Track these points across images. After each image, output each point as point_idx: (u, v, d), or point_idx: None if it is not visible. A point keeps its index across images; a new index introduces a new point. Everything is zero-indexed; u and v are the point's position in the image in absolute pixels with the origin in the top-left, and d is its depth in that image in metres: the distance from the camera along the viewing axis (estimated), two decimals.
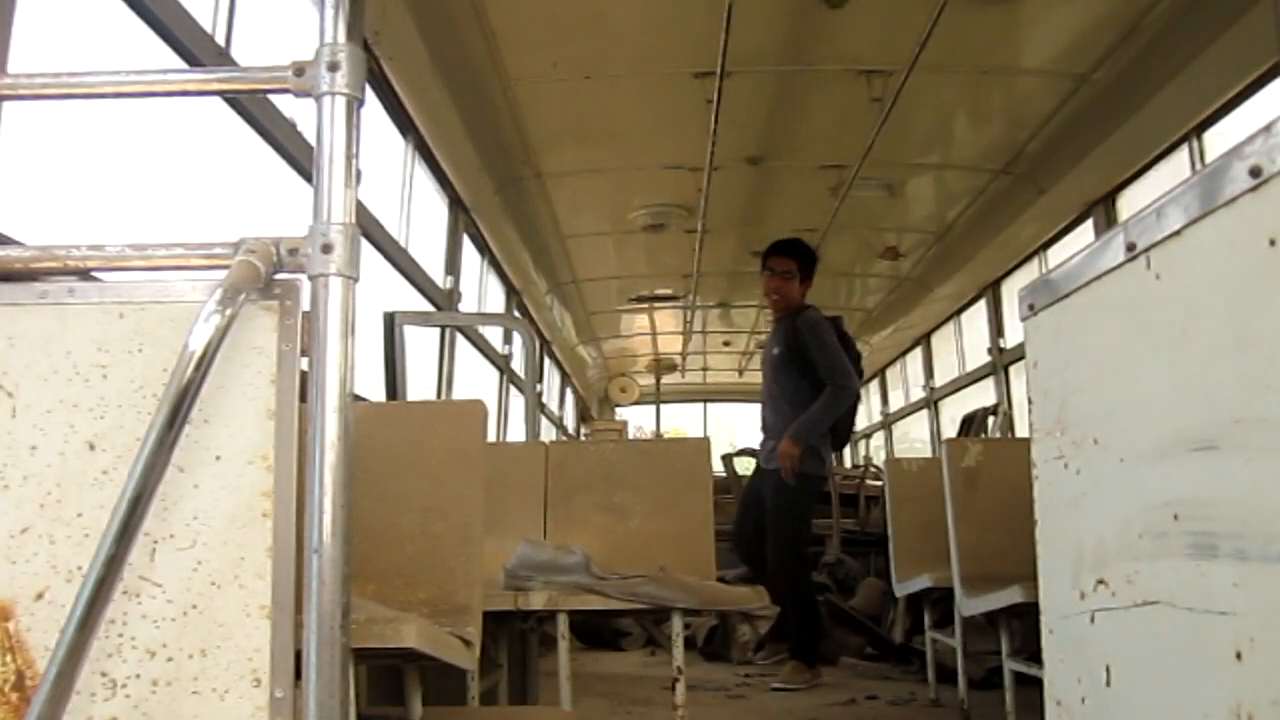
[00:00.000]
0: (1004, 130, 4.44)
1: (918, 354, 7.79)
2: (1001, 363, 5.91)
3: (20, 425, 1.07)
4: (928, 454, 7.42)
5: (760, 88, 3.95)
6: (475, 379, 5.27)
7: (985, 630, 3.58)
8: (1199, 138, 3.76)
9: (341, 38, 1.05)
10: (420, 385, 4.20)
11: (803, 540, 4.19)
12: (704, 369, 9.86)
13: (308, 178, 2.63)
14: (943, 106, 4.22)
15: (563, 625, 2.81)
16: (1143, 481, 0.84)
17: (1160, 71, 3.56)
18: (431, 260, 4.26)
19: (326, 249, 1.03)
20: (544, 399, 7.40)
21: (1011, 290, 5.75)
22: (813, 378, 4.13)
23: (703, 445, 3.49)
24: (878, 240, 5.98)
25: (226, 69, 2.24)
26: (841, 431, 4.34)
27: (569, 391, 9.10)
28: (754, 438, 9.80)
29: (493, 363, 5.55)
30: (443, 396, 4.40)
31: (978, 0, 3.32)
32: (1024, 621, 3.08)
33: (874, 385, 9.25)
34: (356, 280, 1.05)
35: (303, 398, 1.05)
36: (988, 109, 4.32)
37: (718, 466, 7.69)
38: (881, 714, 3.67)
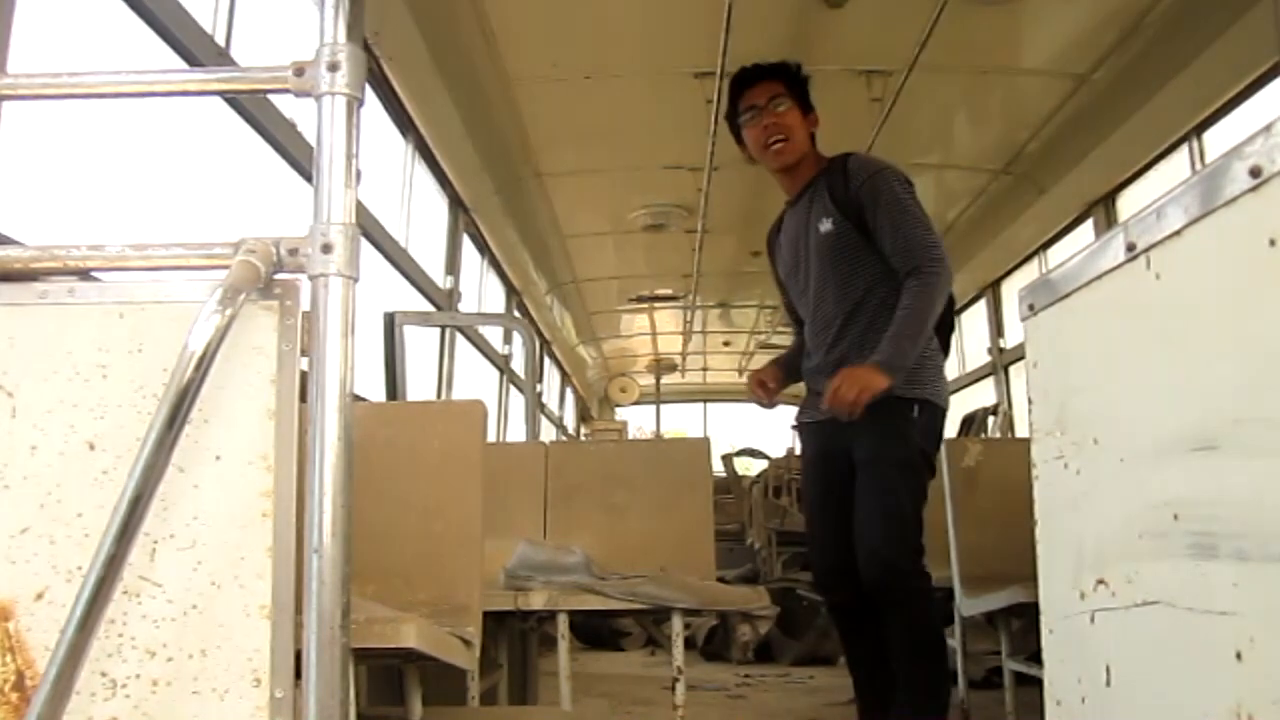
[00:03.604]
0: (1004, 130, 4.44)
1: None
2: (1001, 363, 5.91)
3: (20, 425, 1.07)
4: None
5: None
6: (475, 379, 5.27)
7: (985, 630, 3.58)
8: (1199, 138, 3.77)
9: (341, 38, 1.05)
10: (420, 385, 4.21)
11: (921, 519, 2.48)
12: (704, 369, 9.86)
13: (308, 178, 2.63)
14: (943, 106, 4.22)
15: (563, 625, 2.81)
16: (1143, 481, 0.84)
17: (1160, 71, 3.56)
18: (431, 260, 4.26)
19: (326, 249, 1.03)
20: (544, 399, 7.41)
21: (1011, 290, 5.75)
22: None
23: (703, 445, 3.50)
24: None
25: (226, 69, 2.24)
26: (945, 339, 2.69)
27: (569, 391, 9.10)
28: (753, 438, 9.73)
29: (493, 363, 5.56)
30: (443, 396, 4.40)
31: (978, 0, 3.33)
32: (1024, 621, 3.07)
33: None
34: (356, 280, 1.05)
35: (303, 398, 1.05)
36: (988, 109, 4.32)
37: (718, 466, 7.70)
38: None
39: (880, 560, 2.38)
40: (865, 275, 2.53)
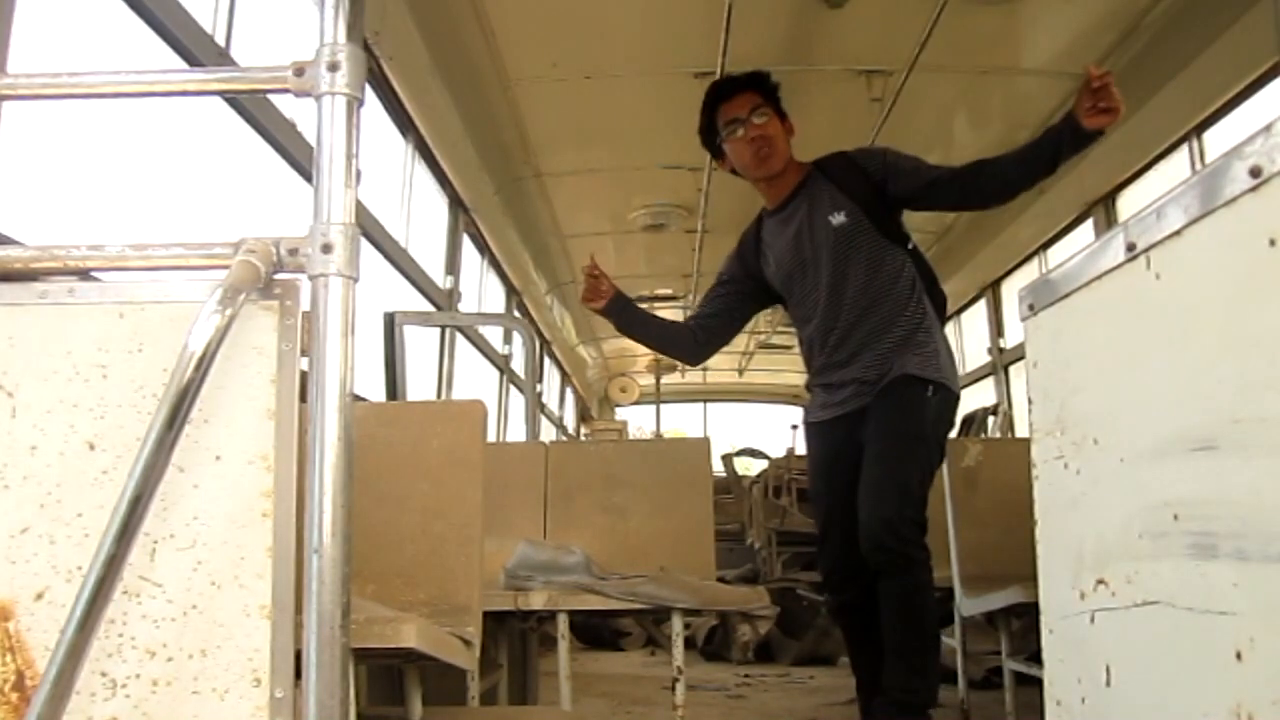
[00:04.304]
0: (1004, 130, 4.43)
1: None
2: (1001, 363, 5.91)
3: (20, 425, 1.07)
4: None
5: None
6: (475, 379, 5.27)
7: (985, 630, 3.58)
8: (1199, 138, 3.76)
9: (341, 38, 1.05)
10: (420, 385, 4.21)
11: (926, 498, 2.47)
12: (704, 369, 9.83)
13: (308, 178, 2.63)
14: (943, 106, 4.22)
15: (563, 625, 2.81)
16: (1143, 481, 0.84)
17: (1160, 71, 3.56)
18: (431, 260, 4.26)
19: (326, 249, 1.03)
20: (544, 399, 7.40)
21: (1011, 290, 5.75)
22: (903, 238, 2.61)
23: (703, 445, 3.49)
24: None
25: (226, 69, 2.24)
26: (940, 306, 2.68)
27: (569, 391, 9.10)
28: (753, 438, 9.70)
29: (493, 363, 5.56)
30: (443, 396, 4.40)
31: (978, 0, 3.33)
32: (1024, 621, 3.08)
33: None
34: (356, 280, 1.05)
35: (303, 398, 1.05)
36: (988, 109, 4.32)
37: (718, 466, 7.69)
38: None
39: (882, 523, 2.34)
40: (882, 267, 2.54)
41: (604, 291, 2.69)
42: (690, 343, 2.84)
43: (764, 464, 7.90)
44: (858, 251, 2.55)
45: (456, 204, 4.53)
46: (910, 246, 2.62)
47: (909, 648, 2.36)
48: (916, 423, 2.45)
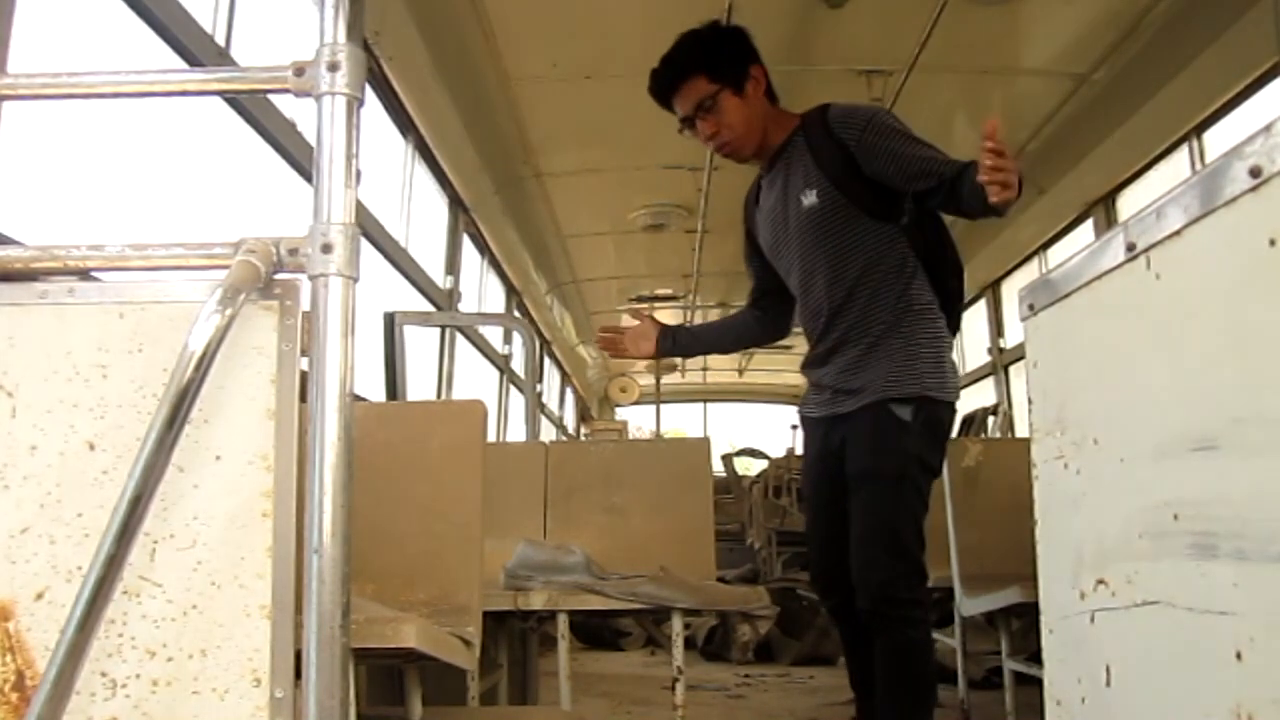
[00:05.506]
0: (1004, 130, 4.43)
1: None
2: (1001, 363, 5.92)
3: (20, 425, 1.07)
4: None
5: None
6: (475, 379, 5.27)
7: (985, 630, 3.58)
8: (1199, 138, 3.77)
9: (341, 38, 1.05)
10: (420, 385, 4.21)
11: (923, 535, 2.24)
12: (704, 369, 9.86)
13: (308, 178, 2.63)
14: (943, 106, 4.22)
15: (563, 625, 2.81)
16: (1143, 481, 0.84)
17: (1160, 71, 3.57)
18: (431, 260, 4.26)
19: (326, 249, 1.03)
20: (544, 399, 7.41)
21: (1011, 290, 5.75)
22: (894, 212, 2.23)
23: (703, 445, 3.49)
24: None
25: (226, 69, 2.24)
26: (955, 315, 2.34)
27: (569, 391, 9.10)
28: (753, 438, 9.72)
29: (493, 363, 5.56)
30: (443, 396, 4.40)
31: (978, 0, 3.33)
32: (1024, 621, 3.08)
33: None
34: (356, 280, 1.05)
35: (303, 398, 1.05)
36: (988, 109, 4.31)
37: (718, 466, 7.70)
38: None
39: (872, 588, 2.17)
40: (860, 253, 2.23)
41: (642, 334, 2.52)
42: (758, 327, 2.62)
43: (764, 464, 7.91)
44: (827, 238, 2.24)
45: (456, 204, 4.53)
46: (905, 221, 2.25)
47: (901, 705, 2.19)
48: (898, 462, 2.18)
